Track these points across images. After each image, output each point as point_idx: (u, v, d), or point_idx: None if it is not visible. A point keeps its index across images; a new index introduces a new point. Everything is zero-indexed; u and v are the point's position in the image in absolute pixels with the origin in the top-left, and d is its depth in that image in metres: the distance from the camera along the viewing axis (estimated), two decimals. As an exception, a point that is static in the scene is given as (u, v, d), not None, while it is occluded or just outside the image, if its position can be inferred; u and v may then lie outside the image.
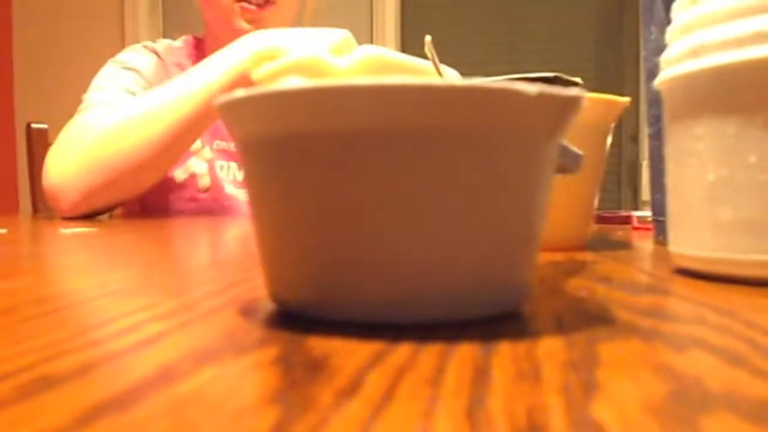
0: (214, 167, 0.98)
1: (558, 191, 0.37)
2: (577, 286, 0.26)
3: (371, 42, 2.47)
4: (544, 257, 0.36)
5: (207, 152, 0.98)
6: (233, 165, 0.99)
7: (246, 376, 0.13)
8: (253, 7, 0.91)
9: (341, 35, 0.78)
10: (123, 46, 2.49)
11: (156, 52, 1.00)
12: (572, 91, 0.17)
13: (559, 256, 0.36)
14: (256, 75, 0.50)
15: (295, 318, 0.19)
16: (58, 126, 0.87)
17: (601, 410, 0.11)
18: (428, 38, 0.41)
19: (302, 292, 0.18)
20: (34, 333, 0.17)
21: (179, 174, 0.96)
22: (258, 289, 0.24)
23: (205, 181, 0.97)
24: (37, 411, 0.11)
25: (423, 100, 0.16)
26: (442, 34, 2.50)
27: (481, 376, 0.13)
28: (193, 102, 0.78)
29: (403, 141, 0.16)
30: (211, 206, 0.97)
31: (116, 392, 0.12)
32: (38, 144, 1.30)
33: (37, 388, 0.12)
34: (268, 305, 0.21)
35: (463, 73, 0.47)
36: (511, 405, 0.11)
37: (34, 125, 1.33)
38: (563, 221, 0.40)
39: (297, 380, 0.13)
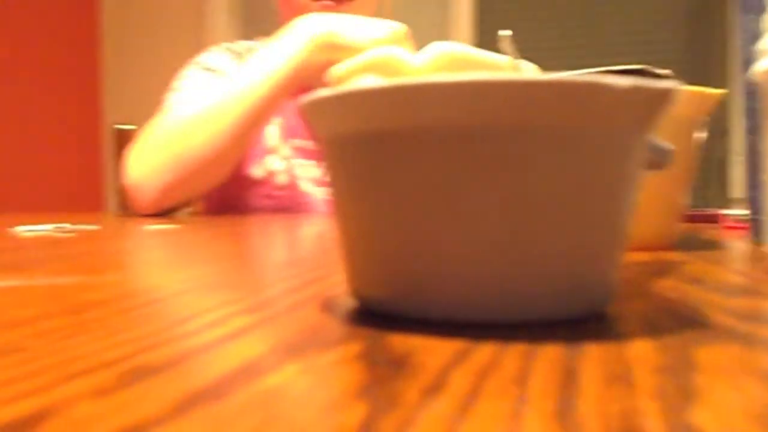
0: (291, 165, 0.99)
1: (646, 188, 0.36)
2: (666, 287, 0.25)
3: (445, 38, 2.46)
4: (630, 257, 0.35)
5: (284, 150, 0.99)
6: (311, 163, 1.01)
7: (331, 372, 0.13)
8: (330, 3, 0.92)
9: (397, 27, 0.78)
10: (203, 48, 2.58)
11: (235, 53, 1.02)
12: (665, 84, 0.16)
13: (645, 256, 0.35)
14: (331, 74, 0.50)
15: (375, 315, 0.19)
16: (143, 127, 0.91)
17: (700, 416, 0.11)
18: (503, 33, 0.41)
19: (384, 289, 0.18)
20: (129, 325, 0.17)
21: (257, 171, 0.98)
22: (337, 286, 0.24)
23: (282, 179, 0.98)
24: (137, 399, 0.11)
25: (508, 97, 0.16)
26: (519, 28, 2.46)
27: (568, 378, 0.13)
28: (257, 93, 0.80)
29: (486, 138, 0.16)
30: (288, 204, 0.98)
31: (208, 383, 0.12)
32: (125, 145, 1.36)
33: (135, 377, 0.13)
34: (348, 302, 0.21)
35: (543, 68, 0.46)
36: (602, 408, 0.11)
37: (121, 126, 1.39)
38: (651, 219, 0.38)
39: (381, 377, 0.13)
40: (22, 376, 0.13)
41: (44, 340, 0.16)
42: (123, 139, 1.38)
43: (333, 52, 0.80)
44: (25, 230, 0.52)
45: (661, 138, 0.35)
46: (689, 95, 0.38)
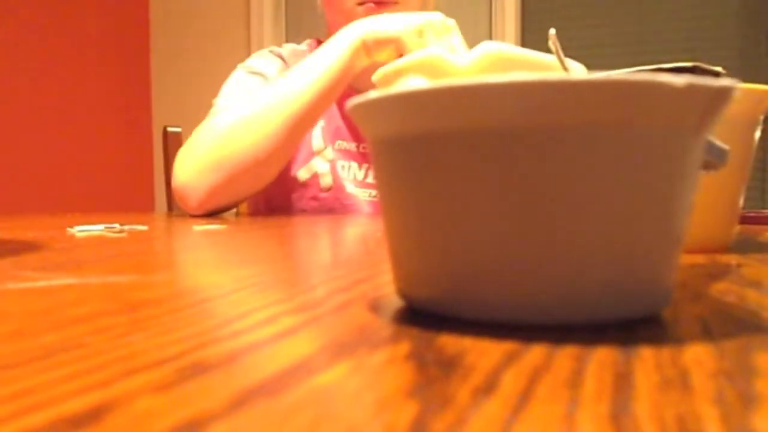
0: (336, 167, 1.00)
1: (701, 189, 0.35)
2: (722, 290, 0.24)
3: (490, 37, 2.45)
4: (685, 259, 0.34)
5: (329, 152, 1.00)
6: (354, 165, 1.01)
7: (381, 371, 0.13)
8: (372, 6, 0.93)
9: (433, 16, 0.79)
10: (249, 51, 2.62)
11: (281, 57, 1.04)
12: (723, 82, 0.16)
13: (700, 258, 0.34)
14: (376, 75, 0.50)
15: (423, 315, 0.19)
16: (193, 129, 0.92)
17: (762, 423, 0.10)
18: (552, 31, 0.40)
19: (433, 290, 0.18)
20: (183, 323, 0.18)
21: (302, 174, 0.99)
22: (384, 286, 0.24)
23: (326, 181, 0.99)
24: (194, 394, 0.12)
25: (560, 97, 0.15)
26: (564, 26, 2.42)
27: (622, 381, 0.13)
28: (302, 97, 0.81)
29: (538, 139, 0.16)
30: (333, 205, 0.99)
31: (262, 381, 0.12)
32: (173, 146, 1.38)
33: (191, 374, 0.13)
34: (395, 302, 0.21)
35: (589, 67, 0.46)
36: (659, 412, 0.11)
37: (170, 129, 1.42)
38: (706, 221, 0.37)
39: (432, 377, 0.13)
40: (84, 372, 0.13)
41: (103, 336, 0.16)
42: (171, 141, 1.40)
43: (375, 49, 0.81)
44: (78, 230, 0.53)
45: (716, 137, 0.34)
46: (745, 93, 0.37)
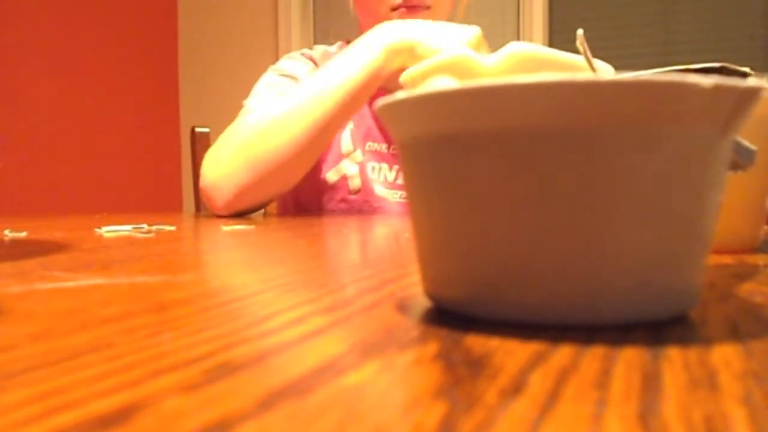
0: (365, 169, 1.00)
1: (728, 189, 0.35)
2: (750, 290, 0.24)
3: (518, 38, 2.43)
4: (712, 260, 0.34)
5: (358, 154, 1.00)
6: (384, 166, 1.01)
7: (409, 371, 0.13)
8: (404, 10, 0.93)
9: (473, 32, 0.78)
10: (276, 52, 2.63)
11: (312, 59, 1.04)
12: (750, 83, 0.16)
13: (728, 259, 0.34)
14: (404, 76, 0.50)
15: (451, 316, 0.19)
16: (220, 129, 0.93)
17: (792, 425, 0.10)
18: (580, 32, 0.40)
19: (461, 290, 0.18)
20: (211, 323, 0.18)
21: (331, 176, 0.99)
22: (412, 287, 0.24)
23: (355, 183, 0.99)
24: (222, 394, 0.12)
25: (587, 98, 0.15)
26: (593, 27, 2.40)
27: (650, 382, 0.13)
28: (332, 100, 0.81)
29: (566, 140, 0.16)
30: (362, 207, 0.99)
31: (290, 381, 0.13)
32: (201, 147, 1.39)
33: (220, 374, 0.13)
34: (423, 302, 0.21)
35: (616, 67, 0.45)
36: (686, 413, 0.11)
37: (197, 129, 1.44)
38: (733, 221, 0.37)
39: (460, 377, 0.13)
40: (112, 372, 0.13)
41: (131, 336, 0.16)
42: (199, 141, 1.42)
43: (409, 58, 0.80)
44: (106, 231, 0.54)
45: (744, 137, 0.34)
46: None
